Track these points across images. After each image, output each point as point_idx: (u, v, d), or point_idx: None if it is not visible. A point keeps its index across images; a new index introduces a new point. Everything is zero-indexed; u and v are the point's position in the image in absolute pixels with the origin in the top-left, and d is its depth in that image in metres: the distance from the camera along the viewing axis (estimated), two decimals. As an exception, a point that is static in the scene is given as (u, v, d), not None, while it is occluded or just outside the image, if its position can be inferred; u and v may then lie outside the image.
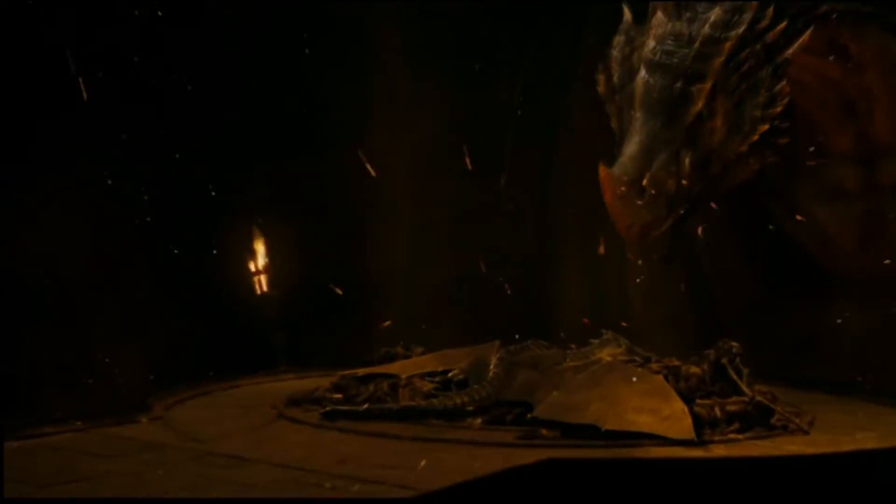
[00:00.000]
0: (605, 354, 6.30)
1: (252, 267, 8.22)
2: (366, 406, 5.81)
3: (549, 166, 8.44)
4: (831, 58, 6.30)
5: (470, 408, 5.71)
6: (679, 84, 5.66)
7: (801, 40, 5.80)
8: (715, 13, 5.75)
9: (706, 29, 5.71)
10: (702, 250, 7.50)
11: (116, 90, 6.44)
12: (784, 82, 5.77)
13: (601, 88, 6.21)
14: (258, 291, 8.23)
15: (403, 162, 7.91)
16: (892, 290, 6.49)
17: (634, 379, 5.75)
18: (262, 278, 8.27)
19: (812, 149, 6.60)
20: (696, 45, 5.70)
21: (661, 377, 5.82)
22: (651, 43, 5.84)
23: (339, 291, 7.66)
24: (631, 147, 5.68)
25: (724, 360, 5.91)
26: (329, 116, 7.84)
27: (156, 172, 7.01)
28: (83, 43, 6.07)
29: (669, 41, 5.79)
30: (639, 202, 5.58)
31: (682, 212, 5.78)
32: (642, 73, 5.82)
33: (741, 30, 5.68)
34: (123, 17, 6.60)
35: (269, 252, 8.19)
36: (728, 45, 5.66)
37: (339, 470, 4.52)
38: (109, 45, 6.41)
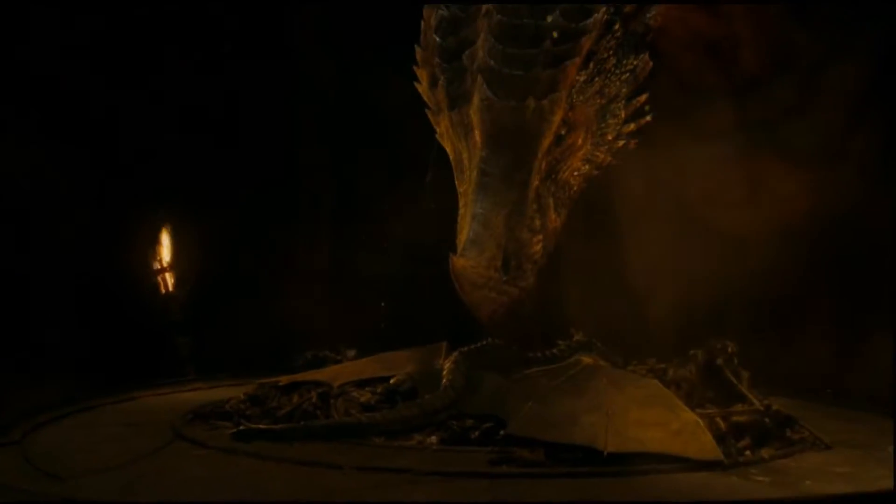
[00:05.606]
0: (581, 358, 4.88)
1: (156, 264, 6.84)
2: (295, 423, 4.36)
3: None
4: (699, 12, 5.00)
5: (420, 422, 4.25)
6: (531, 101, 4.06)
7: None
8: None
9: (556, 17, 4.13)
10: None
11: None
12: (646, 55, 4.40)
13: (424, 92, 4.53)
14: (162, 290, 6.83)
15: (325, 151, 6.90)
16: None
17: (626, 384, 4.35)
18: (168, 276, 6.87)
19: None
20: (546, 42, 4.11)
21: (657, 381, 4.49)
22: (487, 40, 4.14)
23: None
24: (479, 206, 3.99)
25: (720, 362, 4.63)
26: (247, 104, 6.71)
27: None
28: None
29: (510, 40, 4.12)
30: (504, 280, 4.01)
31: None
32: (481, 89, 4.11)
33: (601, 15, 4.16)
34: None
35: (176, 247, 6.84)
36: (586, 41, 4.11)
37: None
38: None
